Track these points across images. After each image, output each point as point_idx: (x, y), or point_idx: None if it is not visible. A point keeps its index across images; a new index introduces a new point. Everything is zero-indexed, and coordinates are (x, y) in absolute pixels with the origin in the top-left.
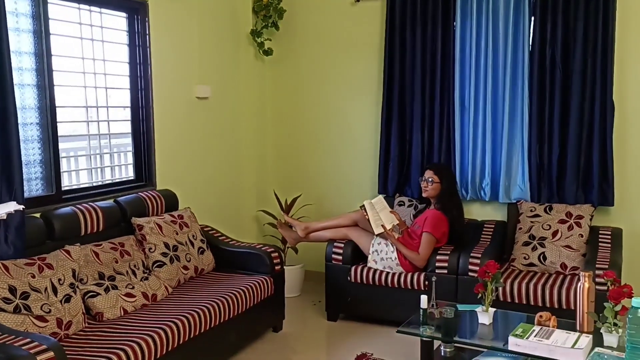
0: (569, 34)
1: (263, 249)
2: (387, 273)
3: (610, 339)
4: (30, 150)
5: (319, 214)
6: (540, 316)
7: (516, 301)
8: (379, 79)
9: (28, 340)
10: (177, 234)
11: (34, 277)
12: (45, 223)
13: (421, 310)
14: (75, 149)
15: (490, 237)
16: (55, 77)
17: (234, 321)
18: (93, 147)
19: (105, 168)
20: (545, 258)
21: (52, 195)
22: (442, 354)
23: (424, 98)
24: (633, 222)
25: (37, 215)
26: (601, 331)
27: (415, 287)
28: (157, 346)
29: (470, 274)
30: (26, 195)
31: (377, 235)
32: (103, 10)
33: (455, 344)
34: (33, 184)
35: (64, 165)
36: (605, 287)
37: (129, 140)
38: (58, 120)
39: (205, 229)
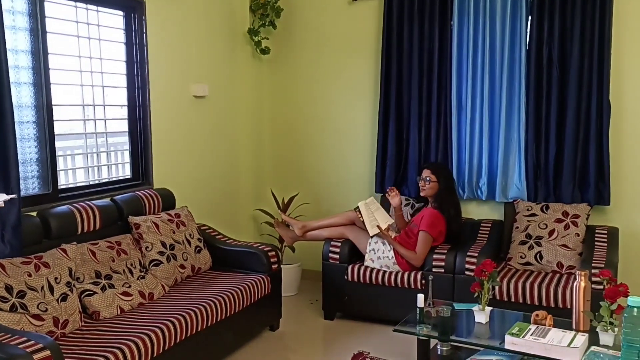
0: (565, 33)
1: (260, 247)
2: (384, 272)
3: (606, 337)
4: (26, 149)
5: (316, 213)
6: (537, 315)
7: (513, 300)
8: (376, 78)
9: (24, 339)
10: (174, 232)
11: (30, 275)
12: (42, 222)
13: (418, 309)
14: (72, 147)
15: (487, 236)
16: (51, 75)
17: (231, 320)
18: (90, 146)
19: (102, 167)
20: (541, 257)
21: (49, 193)
22: (439, 352)
23: (421, 97)
24: (629, 221)
25: (34, 214)
26: (597, 330)
27: (412, 286)
28: (154, 345)
29: (467, 272)
30: (22, 193)
31: (373, 236)
32: (100, 8)
33: (452, 343)
34: (29, 182)
35: (60, 163)
36: (601, 286)
37: (125, 138)
38: (55, 118)
39: (202, 228)
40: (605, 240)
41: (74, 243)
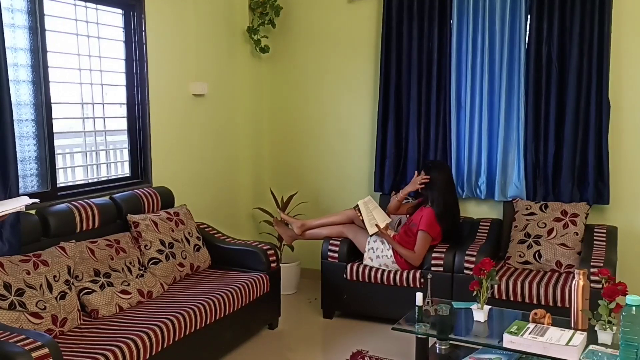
0: (565, 32)
1: (259, 246)
2: (383, 271)
3: (604, 336)
4: (25, 147)
5: (315, 211)
6: (535, 314)
7: (511, 299)
8: (375, 77)
9: (23, 336)
10: (172, 231)
11: (29, 273)
12: (41, 220)
13: (417, 308)
14: (71, 145)
15: (485, 235)
16: (50, 73)
17: (230, 318)
18: (89, 144)
19: (100, 165)
20: (540, 256)
21: (48, 192)
22: (438, 351)
23: (420, 96)
24: (628, 220)
25: (33, 212)
26: (595, 329)
27: (411, 285)
28: (153, 343)
29: (465, 271)
30: (21, 191)
31: (372, 235)
32: (99, 6)
33: (451, 341)
34: (28, 180)
35: (59, 162)
36: (600, 285)
37: (124, 137)
38: (53, 116)
39: (201, 226)
40: (604, 239)
41: (73, 241)
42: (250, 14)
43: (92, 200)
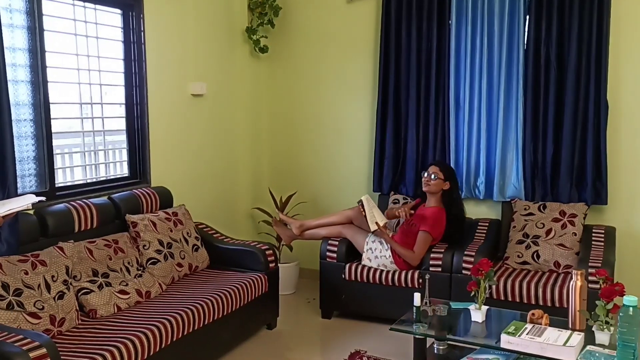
0: (563, 33)
1: (257, 246)
2: (382, 271)
3: (601, 337)
4: (24, 147)
5: (314, 211)
6: (533, 314)
7: (509, 299)
8: (374, 77)
9: (21, 337)
10: (171, 231)
11: (27, 273)
12: (39, 220)
13: (415, 308)
14: (70, 145)
15: (484, 235)
16: (49, 73)
17: (228, 318)
18: (87, 144)
19: (99, 165)
20: (538, 256)
21: (46, 191)
22: (435, 351)
23: (419, 96)
24: (626, 221)
25: (31, 211)
26: (593, 329)
27: (409, 285)
28: (151, 343)
29: (463, 272)
30: (20, 191)
31: (372, 232)
32: (97, 6)
33: (448, 342)
34: (27, 180)
35: (58, 162)
36: (598, 286)
37: (123, 137)
38: (52, 116)
39: (199, 227)
40: (602, 239)
41: (71, 241)
42: (249, 14)
43: (90, 200)
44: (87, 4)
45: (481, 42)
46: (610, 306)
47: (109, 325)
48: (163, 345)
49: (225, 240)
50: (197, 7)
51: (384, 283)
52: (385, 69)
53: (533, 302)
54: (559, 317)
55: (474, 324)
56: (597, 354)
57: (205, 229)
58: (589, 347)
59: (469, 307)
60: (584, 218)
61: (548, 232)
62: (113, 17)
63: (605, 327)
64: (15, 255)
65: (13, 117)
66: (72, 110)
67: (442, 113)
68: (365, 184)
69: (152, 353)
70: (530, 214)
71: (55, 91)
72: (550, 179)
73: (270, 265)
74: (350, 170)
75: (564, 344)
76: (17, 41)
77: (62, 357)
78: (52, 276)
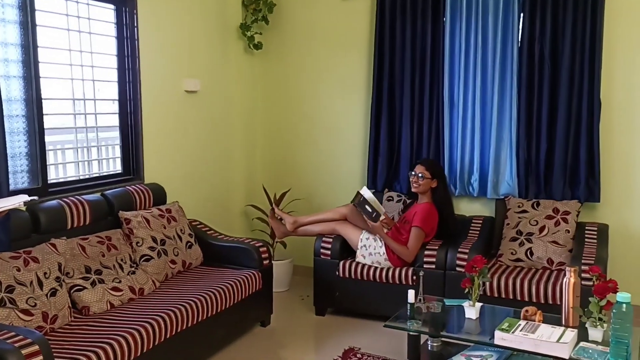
0: (557, 30)
1: (251, 243)
2: (376, 268)
3: (595, 333)
4: (15, 143)
5: (308, 208)
6: (526, 311)
7: (503, 296)
8: (368, 74)
9: (13, 334)
10: (165, 228)
11: (19, 270)
12: (31, 216)
13: (409, 305)
14: (63, 142)
15: (478, 232)
16: (41, 69)
17: (222, 315)
18: (80, 140)
19: (92, 161)
20: (532, 253)
21: (38, 188)
22: (429, 348)
23: (414, 94)
24: (619, 218)
25: (23, 208)
26: (586, 326)
27: (403, 282)
28: (144, 340)
29: (457, 269)
30: (12, 187)
31: (374, 223)
32: (90, 1)
33: (442, 339)
34: (19, 176)
35: (50, 158)
36: (591, 282)
37: (116, 133)
38: (44, 112)
39: (193, 223)
40: (595, 236)
41: (64, 238)
42: (243, 10)
43: (83, 196)
44: None
45: (475, 40)
46: (603, 303)
47: (101, 323)
48: (156, 343)
49: (219, 237)
50: (191, 3)
51: (378, 280)
52: (380, 66)
53: (527, 299)
54: (552, 313)
55: (468, 320)
56: (590, 351)
57: (199, 226)
58: (582, 344)
59: (462, 304)
60: (577, 215)
61: (541, 229)
62: (106, 12)
63: (598, 323)
64: (7, 251)
65: (5, 112)
66: (65, 106)
67: (436, 110)
68: (359, 181)
69: (145, 350)
70: (524, 211)
71: (48, 87)
72: (543, 177)
73: (264, 262)
74: (344, 168)
75: (558, 341)
76: (9, 36)
77: (54, 354)
78: (45, 273)
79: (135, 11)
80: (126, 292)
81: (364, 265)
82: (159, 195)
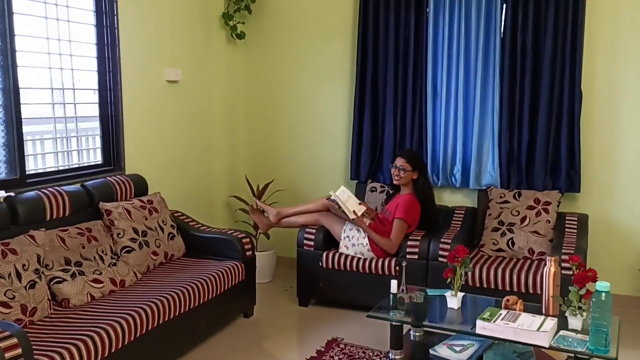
0: (539, 21)
1: (234, 234)
2: (359, 259)
3: (574, 322)
4: None
5: (291, 200)
6: (507, 300)
7: (485, 286)
8: (351, 65)
9: None
10: (146, 219)
11: None
12: (9, 207)
13: (391, 295)
14: (41, 132)
15: (460, 223)
16: (18, 57)
17: (205, 307)
18: (59, 131)
19: (72, 152)
20: (513, 243)
21: (16, 179)
22: (412, 338)
23: (397, 84)
24: (598, 208)
25: (1, 199)
26: (566, 314)
27: (386, 273)
28: (125, 333)
29: (440, 259)
30: None
31: (350, 221)
32: None
33: (425, 328)
34: None
35: (28, 148)
36: (571, 272)
37: (96, 123)
38: (22, 102)
39: (175, 214)
40: (575, 226)
41: (43, 229)
42: None
43: (62, 187)
44: None
45: (458, 30)
46: (583, 292)
47: (82, 315)
48: (138, 335)
49: (201, 228)
50: None
51: (361, 271)
52: (363, 56)
53: (508, 288)
54: (533, 302)
55: (450, 310)
56: (570, 339)
57: (181, 217)
58: (562, 332)
59: (445, 294)
60: (558, 205)
61: (523, 219)
62: (85, 0)
63: (578, 312)
64: None
65: None
66: (44, 96)
67: (419, 101)
68: (342, 172)
69: (126, 342)
70: (506, 201)
71: (26, 76)
72: (525, 167)
73: (247, 253)
74: (327, 158)
75: (538, 329)
76: None
77: (33, 347)
78: (23, 265)
79: None
80: (107, 284)
81: (347, 256)
82: (140, 186)
